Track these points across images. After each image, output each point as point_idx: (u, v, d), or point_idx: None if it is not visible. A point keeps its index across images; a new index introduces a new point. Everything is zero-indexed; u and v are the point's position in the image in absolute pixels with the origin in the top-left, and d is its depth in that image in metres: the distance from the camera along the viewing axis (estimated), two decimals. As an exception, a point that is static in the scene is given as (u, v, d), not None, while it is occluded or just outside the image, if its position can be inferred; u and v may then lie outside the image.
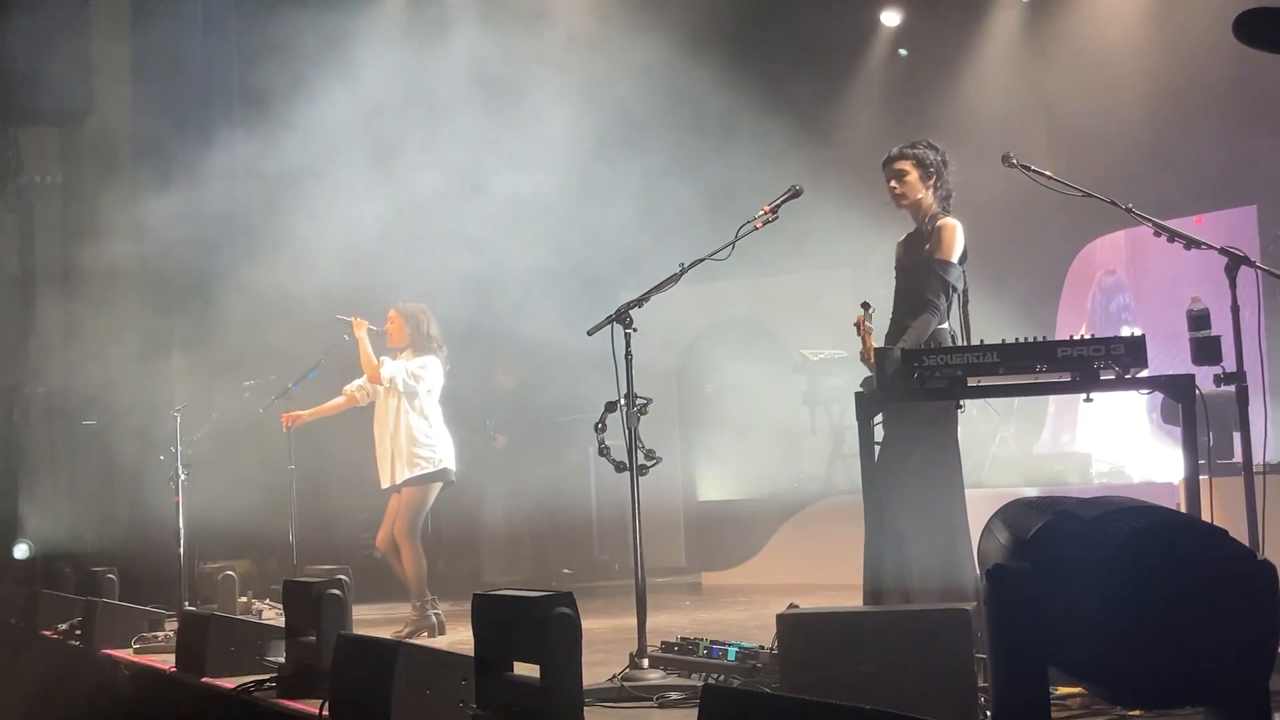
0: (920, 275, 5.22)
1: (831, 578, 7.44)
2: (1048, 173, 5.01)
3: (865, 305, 5.08)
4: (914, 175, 5.34)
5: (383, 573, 8.67)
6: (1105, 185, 5.10)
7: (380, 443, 7.65)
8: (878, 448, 4.91)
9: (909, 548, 4.94)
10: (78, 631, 7.58)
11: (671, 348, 12.22)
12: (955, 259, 5.20)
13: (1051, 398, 9.67)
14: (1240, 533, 4.01)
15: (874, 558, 4.70)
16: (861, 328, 5.06)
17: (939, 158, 5.38)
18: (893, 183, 5.38)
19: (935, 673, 3.74)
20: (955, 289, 5.20)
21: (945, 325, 5.17)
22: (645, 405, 5.15)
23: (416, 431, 7.54)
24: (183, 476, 8.23)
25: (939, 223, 5.26)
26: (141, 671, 6.60)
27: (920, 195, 5.34)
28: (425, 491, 7.55)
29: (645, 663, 4.95)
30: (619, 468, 5.13)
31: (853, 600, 5.02)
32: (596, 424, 5.18)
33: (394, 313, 7.74)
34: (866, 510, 4.71)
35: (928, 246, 5.25)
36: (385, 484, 7.62)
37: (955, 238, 5.21)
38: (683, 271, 5.33)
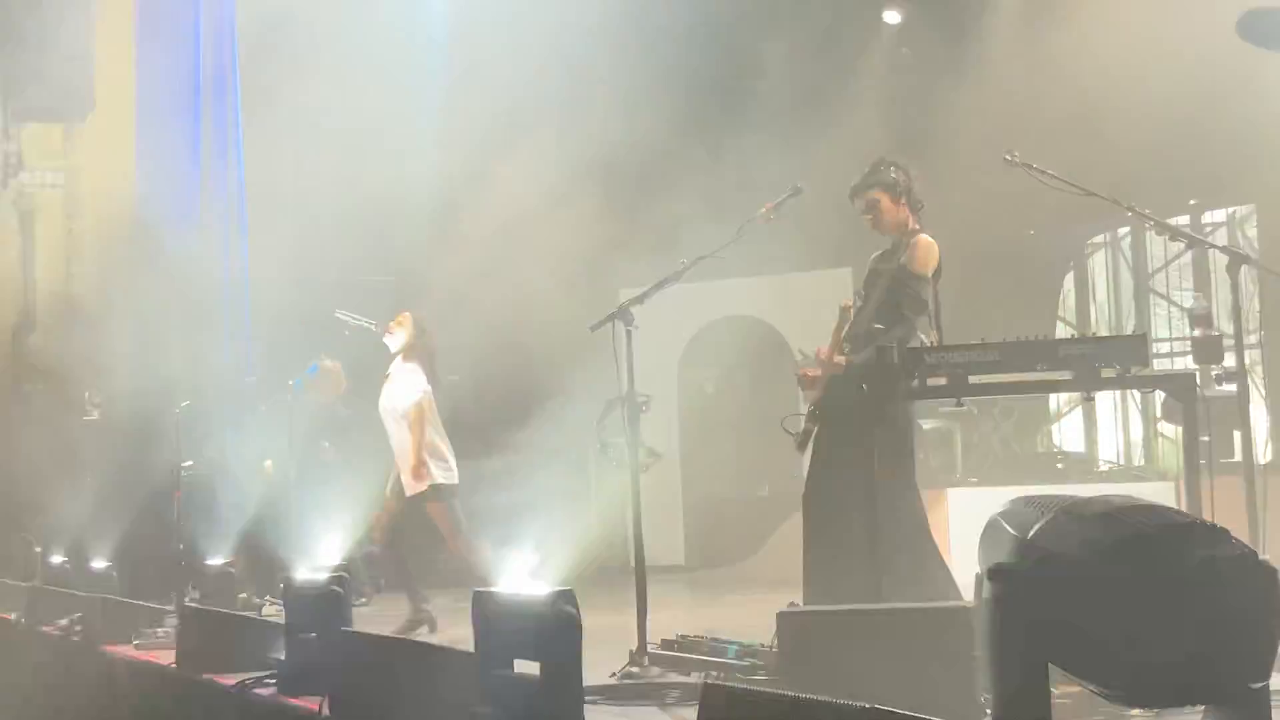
0: (896, 287, 5.22)
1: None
2: (1050, 171, 5.00)
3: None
4: (886, 201, 5.35)
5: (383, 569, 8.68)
6: (1106, 184, 5.09)
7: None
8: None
9: (865, 554, 4.90)
10: (78, 628, 7.57)
11: (672, 345, 12.21)
12: (929, 274, 5.21)
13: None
14: (1241, 532, 4.01)
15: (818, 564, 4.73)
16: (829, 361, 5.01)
17: (901, 174, 5.37)
18: (868, 216, 5.39)
19: (936, 670, 3.74)
20: (927, 304, 5.20)
21: (922, 339, 5.16)
22: (646, 402, 5.15)
23: (417, 446, 7.37)
24: (184, 472, 8.20)
25: (915, 238, 5.27)
26: (142, 668, 6.59)
27: (897, 216, 5.35)
28: (444, 507, 7.46)
29: (645, 660, 4.95)
30: (619, 464, 5.13)
31: (852, 598, 5.01)
32: (597, 421, 5.18)
33: (408, 315, 7.60)
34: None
35: (903, 260, 5.25)
36: (386, 491, 7.57)
37: (930, 254, 5.23)
38: (684, 269, 5.34)
